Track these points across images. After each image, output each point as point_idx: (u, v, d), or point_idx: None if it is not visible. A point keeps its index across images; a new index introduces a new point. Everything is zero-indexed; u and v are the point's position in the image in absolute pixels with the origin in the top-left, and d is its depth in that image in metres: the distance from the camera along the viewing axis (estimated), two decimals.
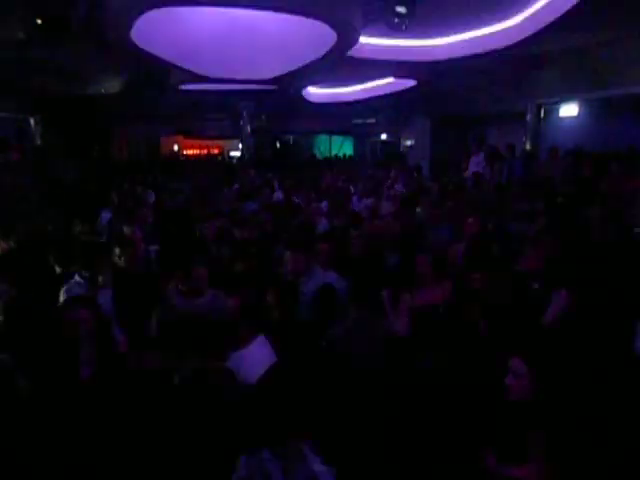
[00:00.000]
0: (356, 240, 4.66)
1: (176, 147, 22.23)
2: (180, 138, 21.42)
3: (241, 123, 14.82)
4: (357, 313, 3.21)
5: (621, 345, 2.81)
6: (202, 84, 9.24)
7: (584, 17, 5.73)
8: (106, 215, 6.34)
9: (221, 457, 1.91)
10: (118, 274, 3.70)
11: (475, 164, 9.82)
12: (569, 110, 11.58)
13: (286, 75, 8.24)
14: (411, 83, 10.11)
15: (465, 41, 7.36)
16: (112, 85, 10.81)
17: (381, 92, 11.32)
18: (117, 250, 3.92)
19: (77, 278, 3.47)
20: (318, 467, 1.76)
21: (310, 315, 3.39)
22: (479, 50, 7.26)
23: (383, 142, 20.88)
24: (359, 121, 18.28)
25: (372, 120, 17.60)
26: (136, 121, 16.31)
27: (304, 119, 18.10)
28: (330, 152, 22.34)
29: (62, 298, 3.26)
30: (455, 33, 7.30)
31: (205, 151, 22.68)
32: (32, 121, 12.84)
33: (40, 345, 2.43)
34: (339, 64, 7.59)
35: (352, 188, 9.08)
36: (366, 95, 11.85)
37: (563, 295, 3.29)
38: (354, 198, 8.12)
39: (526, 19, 6.44)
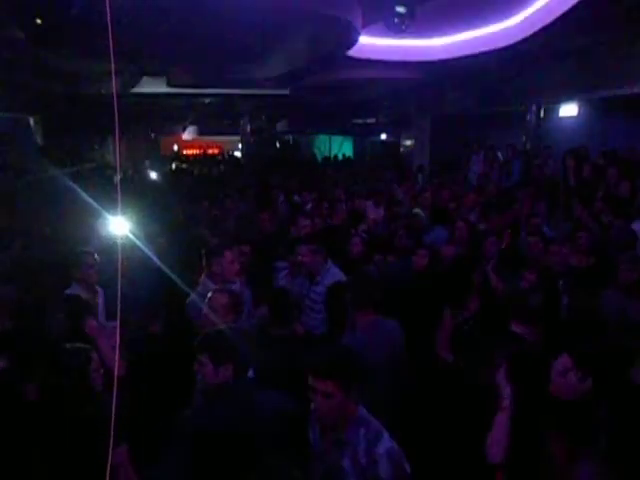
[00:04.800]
0: None
1: (176, 147, 22.23)
2: (180, 138, 21.41)
3: (241, 123, 14.80)
4: None
5: None
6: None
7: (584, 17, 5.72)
8: None
9: None
10: None
11: (475, 164, 9.82)
12: (569, 110, 11.55)
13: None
14: None
15: (464, 41, 7.34)
16: (112, 85, 10.75)
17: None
18: None
19: None
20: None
21: None
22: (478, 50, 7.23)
23: (383, 142, 20.83)
24: (359, 121, 18.24)
25: (372, 120, 17.56)
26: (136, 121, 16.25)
27: (304, 119, 18.08)
28: (330, 152, 22.30)
29: None
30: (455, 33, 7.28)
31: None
32: (32, 121, 12.82)
33: None
34: None
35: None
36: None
37: None
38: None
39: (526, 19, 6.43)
